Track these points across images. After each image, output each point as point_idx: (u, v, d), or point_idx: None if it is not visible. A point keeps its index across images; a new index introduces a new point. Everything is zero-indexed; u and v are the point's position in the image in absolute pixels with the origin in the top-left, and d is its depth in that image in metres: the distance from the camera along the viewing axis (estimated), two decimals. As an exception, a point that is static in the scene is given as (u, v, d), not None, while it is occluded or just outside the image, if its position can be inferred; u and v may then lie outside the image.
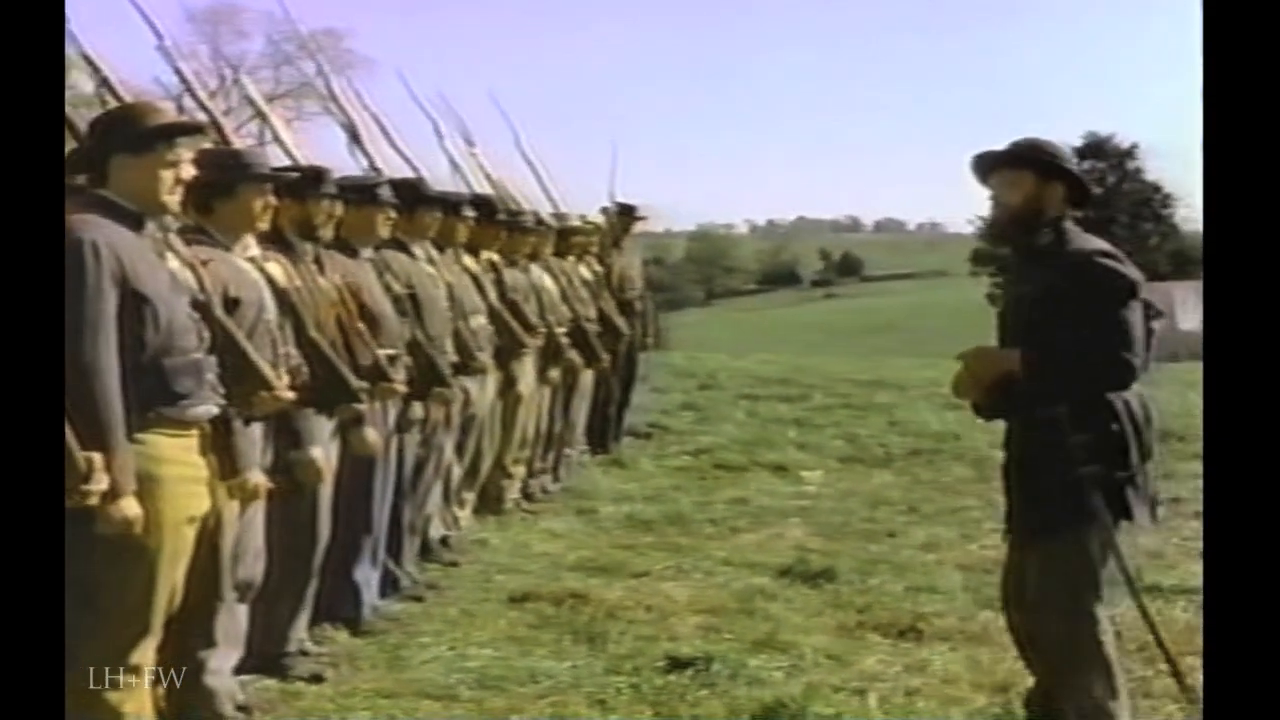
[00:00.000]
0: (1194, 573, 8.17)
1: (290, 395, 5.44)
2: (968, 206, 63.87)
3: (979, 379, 5.46)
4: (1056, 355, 5.18)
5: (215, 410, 4.70)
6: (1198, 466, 11.56)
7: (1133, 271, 5.29)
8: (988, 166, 5.45)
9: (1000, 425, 5.57)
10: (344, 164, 7.59)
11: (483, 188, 9.60)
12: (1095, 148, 76.70)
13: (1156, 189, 75.53)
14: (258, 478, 5.17)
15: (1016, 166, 5.39)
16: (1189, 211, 76.21)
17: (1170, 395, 17.64)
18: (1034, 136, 5.48)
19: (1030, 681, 5.55)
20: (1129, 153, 76.33)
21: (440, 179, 9.05)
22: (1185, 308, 37.68)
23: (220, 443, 4.79)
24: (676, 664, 6.40)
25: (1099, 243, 5.41)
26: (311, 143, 7.10)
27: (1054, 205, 5.37)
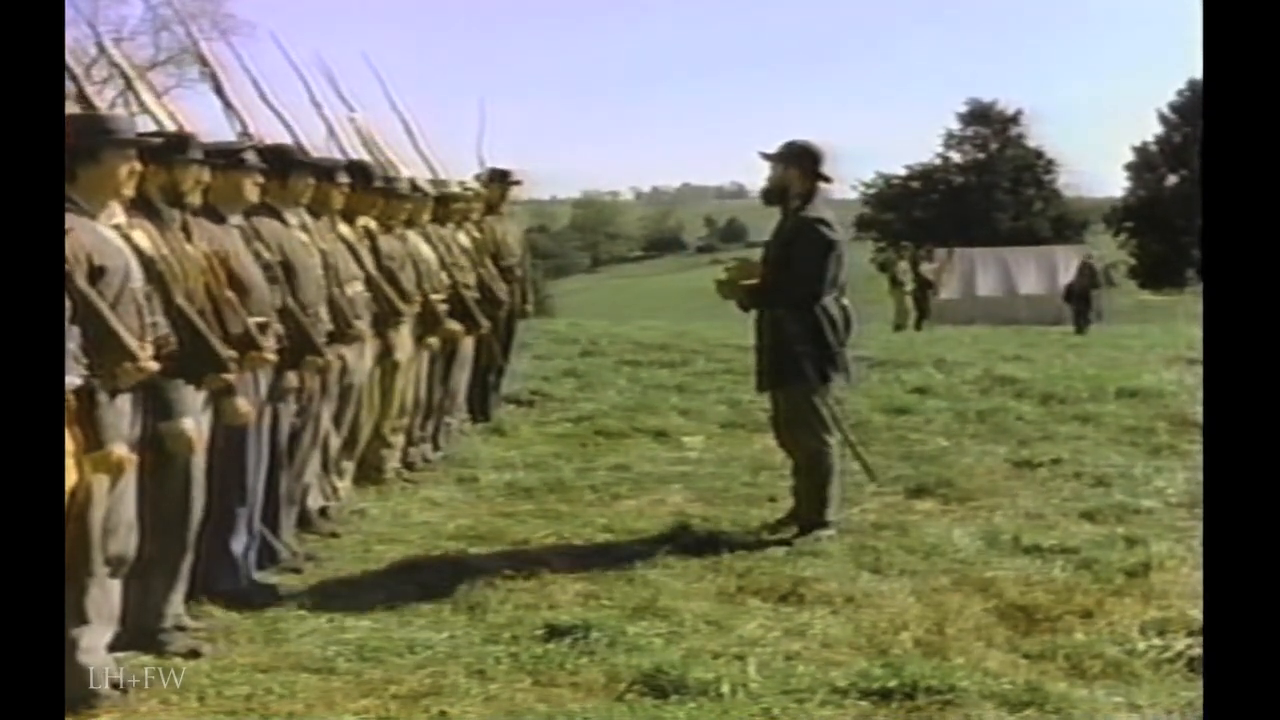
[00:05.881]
0: (1072, 533, 8.31)
1: (154, 365, 5.35)
2: (851, 173, 64.18)
3: (736, 284, 8.58)
4: (779, 277, 8.29)
5: (78, 381, 4.62)
6: (1077, 428, 11.85)
7: (834, 234, 8.27)
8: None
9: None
10: (226, 131, 7.46)
11: (360, 154, 9.46)
12: (979, 114, 77.57)
13: (1039, 155, 76.45)
14: (122, 451, 5.08)
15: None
16: (1070, 177, 77.30)
17: (1050, 357, 17.95)
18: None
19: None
20: (1013, 119, 77.21)
21: (321, 145, 8.92)
22: (1069, 270, 38.28)
23: (84, 415, 4.70)
24: (556, 632, 6.37)
25: (824, 212, 8.29)
26: (191, 110, 6.94)
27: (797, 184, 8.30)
